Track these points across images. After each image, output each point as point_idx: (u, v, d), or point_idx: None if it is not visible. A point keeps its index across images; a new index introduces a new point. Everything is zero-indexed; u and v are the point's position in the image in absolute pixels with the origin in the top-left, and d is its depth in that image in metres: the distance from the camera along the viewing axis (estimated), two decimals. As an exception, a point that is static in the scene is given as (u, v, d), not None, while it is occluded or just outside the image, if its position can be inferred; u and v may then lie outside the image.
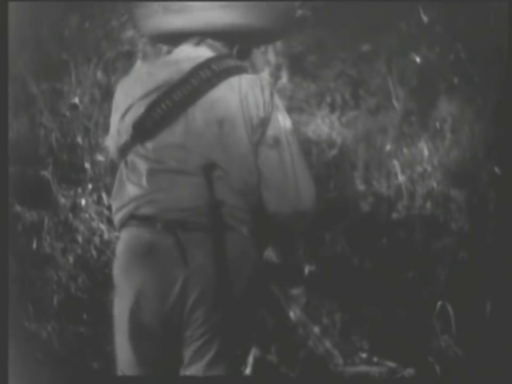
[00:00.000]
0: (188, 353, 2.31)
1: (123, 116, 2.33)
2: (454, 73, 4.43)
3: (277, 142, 2.26)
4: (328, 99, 4.69)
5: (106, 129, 4.22)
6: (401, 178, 4.06)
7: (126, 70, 4.56)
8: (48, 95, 4.32)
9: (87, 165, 3.98)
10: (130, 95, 2.35)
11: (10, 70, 3.38)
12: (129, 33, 4.72)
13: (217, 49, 2.39)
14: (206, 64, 2.30)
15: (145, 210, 2.24)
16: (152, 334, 2.26)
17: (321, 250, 4.11)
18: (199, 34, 2.36)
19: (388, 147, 4.22)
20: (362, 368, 3.61)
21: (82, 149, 4.06)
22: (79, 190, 3.90)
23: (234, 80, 2.28)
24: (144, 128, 2.27)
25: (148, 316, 2.25)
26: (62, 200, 3.84)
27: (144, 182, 2.26)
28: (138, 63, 2.51)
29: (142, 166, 2.27)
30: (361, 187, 4.16)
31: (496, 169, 3.86)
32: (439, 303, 3.50)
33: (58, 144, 4.14)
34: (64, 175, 3.97)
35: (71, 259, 3.76)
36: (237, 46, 2.42)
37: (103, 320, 3.50)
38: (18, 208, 3.83)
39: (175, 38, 2.40)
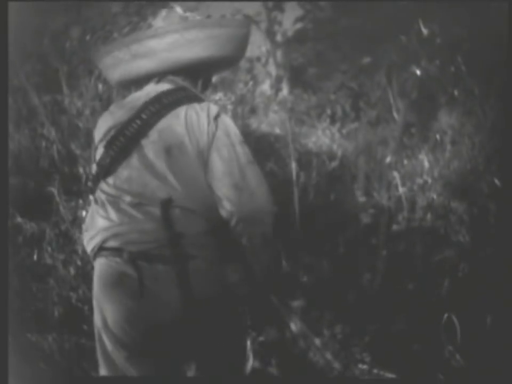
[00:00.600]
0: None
1: (94, 156, 2.47)
2: (454, 86, 4.44)
3: (221, 157, 2.34)
4: (328, 111, 4.70)
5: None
6: (401, 190, 4.06)
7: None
8: (50, 107, 4.33)
9: (87, 172, 3.98)
10: (97, 137, 2.48)
11: (12, 82, 3.39)
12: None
13: (177, 83, 2.50)
14: (157, 98, 2.44)
15: (112, 243, 2.34)
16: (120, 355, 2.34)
17: (322, 262, 4.12)
18: (164, 73, 2.50)
19: (388, 159, 4.22)
20: (363, 379, 3.61)
21: (84, 161, 4.07)
22: (80, 201, 3.90)
23: (181, 109, 2.40)
24: (104, 165, 2.39)
25: (119, 340, 2.33)
26: (63, 212, 3.84)
27: (110, 215, 2.35)
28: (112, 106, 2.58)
29: (106, 200, 2.37)
30: (361, 199, 4.16)
31: (497, 181, 3.86)
32: (445, 315, 3.50)
33: (60, 156, 4.15)
34: (65, 186, 3.98)
35: (72, 270, 3.75)
36: (201, 79, 2.57)
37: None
38: (19, 219, 3.84)
39: (142, 81, 2.54)
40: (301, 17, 6.07)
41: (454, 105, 4.35)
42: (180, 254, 2.28)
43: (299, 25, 6.10)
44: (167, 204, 2.28)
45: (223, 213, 2.32)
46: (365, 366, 3.68)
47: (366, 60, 5.21)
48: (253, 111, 4.70)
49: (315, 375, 3.56)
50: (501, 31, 3.31)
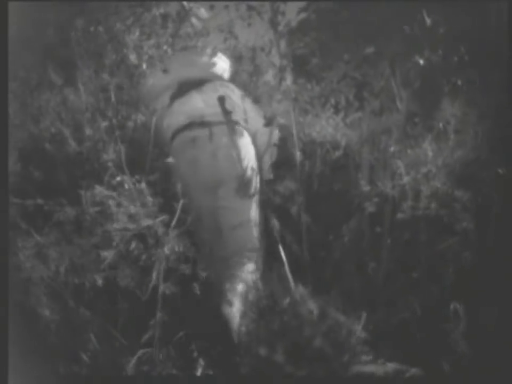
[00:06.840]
0: None
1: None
2: (457, 75, 4.45)
3: None
4: (332, 101, 4.70)
5: (107, 132, 4.24)
6: (405, 179, 4.06)
7: (130, 74, 4.59)
8: (53, 98, 4.34)
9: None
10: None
11: (13, 72, 3.39)
12: (134, 36, 4.76)
13: None
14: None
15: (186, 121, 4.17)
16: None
17: (326, 250, 4.12)
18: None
19: (392, 148, 4.22)
20: (368, 368, 3.61)
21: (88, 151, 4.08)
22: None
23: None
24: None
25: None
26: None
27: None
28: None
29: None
30: (365, 187, 4.16)
31: (500, 170, 3.87)
32: (452, 305, 3.51)
33: (60, 149, 4.16)
34: (71, 176, 3.99)
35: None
36: None
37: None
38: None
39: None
40: (304, 7, 6.10)
41: (457, 95, 4.35)
42: (230, 120, 4.08)
43: (302, 15, 6.12)
44: (223, 99, 4.15)
45: None
46: (369, 355, 3.68)
47: (369, 49, 5.22)
48: (257, 100, 4.72)
49: (320, 364, 3.57)
50: (503, 21, 3.32)
